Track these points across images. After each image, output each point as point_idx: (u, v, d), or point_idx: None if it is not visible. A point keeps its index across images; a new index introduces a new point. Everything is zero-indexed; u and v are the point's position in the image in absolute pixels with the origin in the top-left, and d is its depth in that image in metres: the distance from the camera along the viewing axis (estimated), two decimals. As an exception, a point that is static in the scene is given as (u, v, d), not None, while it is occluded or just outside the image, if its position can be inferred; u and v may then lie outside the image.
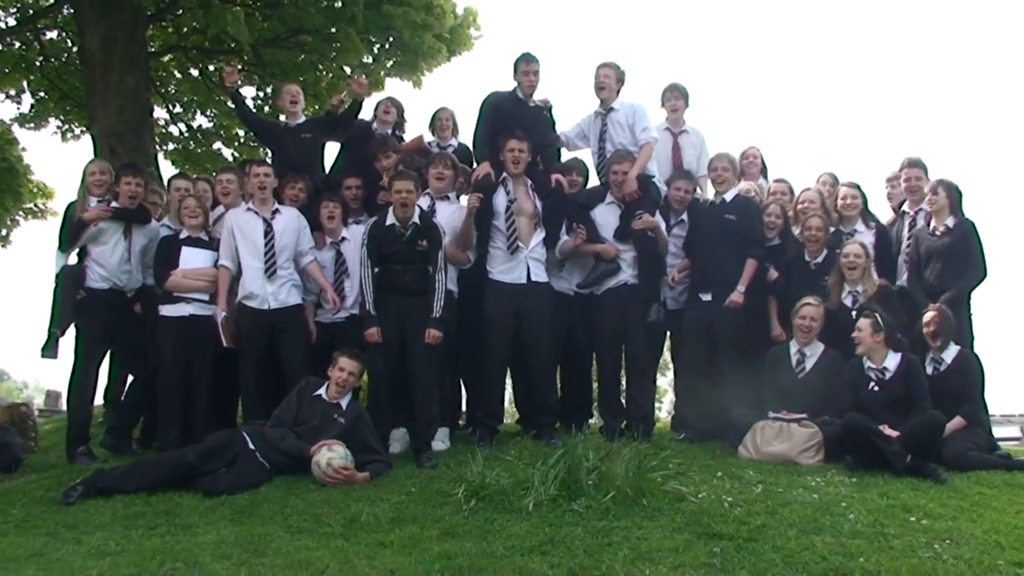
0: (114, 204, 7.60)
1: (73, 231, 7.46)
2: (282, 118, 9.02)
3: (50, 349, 7.39)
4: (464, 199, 7.69)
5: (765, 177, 8.96)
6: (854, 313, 7.20)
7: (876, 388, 6.78)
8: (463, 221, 7.38)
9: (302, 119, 8.77)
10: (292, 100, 8.70)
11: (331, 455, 6.14)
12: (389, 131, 8.77)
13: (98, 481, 6.06)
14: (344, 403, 6.61)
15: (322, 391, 6.62)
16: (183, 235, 7.62)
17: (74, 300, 7.41)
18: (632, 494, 5.32)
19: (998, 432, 9.02)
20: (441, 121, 8.71)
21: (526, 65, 7.81)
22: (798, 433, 6.80)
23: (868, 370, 6.84)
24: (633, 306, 7.59)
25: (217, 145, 16.00)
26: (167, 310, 7.43)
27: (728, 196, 7.82)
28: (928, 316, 7.06)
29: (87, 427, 7.58)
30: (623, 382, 8.10)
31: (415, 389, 6.93)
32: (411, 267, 6.97)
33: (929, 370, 6.98)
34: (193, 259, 7.50)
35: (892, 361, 6.82)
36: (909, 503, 5.48)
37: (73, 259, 7.58)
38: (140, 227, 7.71)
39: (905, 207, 8.06)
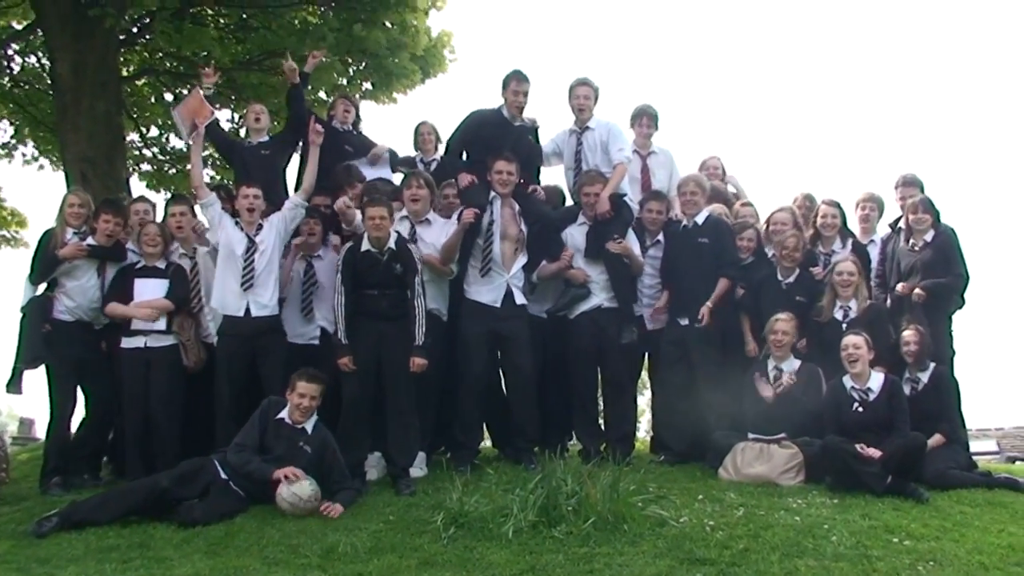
0: (90, 240, 7.45)
1: (46, 264, 7.34)
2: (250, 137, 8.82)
3: (15, 385, 7.27)
4: (455, 216, 7.54)
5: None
6: (844, 326, 7.23)
7: (860, 408, 6.76)
8: (452, 234, 7.27)
9: (265, 138, 8.57)
10: (255, 118, 8.58)
11: (295, 489, 6.02)
12: (349, 128, 8.71)
13: (73, 514, 5.92)
14: (309, 427, 6.45)
15: (284, 415, 6.45)
16: (139, 265, 7.49)
17: (40, 333, 7.29)
18: (613, 519, 5.30)
19: (975, 446, 9.09)
20: (424, 135, 8.60)
21: (517, 84, 7.75)
22: (778, 454, 6.77)
23: (851, 390, 6.82)
24: (609, 328, 7.53)
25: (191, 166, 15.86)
26: (125, 343, 7.34)
27: (699, 219, 7.77)
28: (907, 335, 7.07)
29: (63, 458, 7.43)
30: (600, 404, 8.05)
31: (392, 416, 6.83)
32: (387, 292, 6.86)
33: (907, 389, 6.98)
34: (145, 291, 7.37)
35: (876, 381, 6.81)
36: (891, 524, 5.48)
37: (41, 290, 7.45)
38: (114, 264, 7.57)
39: (901, 223, 8.04)
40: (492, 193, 7.40)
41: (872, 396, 6.77)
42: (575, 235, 7.71)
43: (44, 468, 7.43)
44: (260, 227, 7.27)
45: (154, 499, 6.01)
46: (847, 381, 6.86)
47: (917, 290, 7.36)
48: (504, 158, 7.36)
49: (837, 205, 8.10)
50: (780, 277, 7.76)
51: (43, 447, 7.99)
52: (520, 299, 7.40)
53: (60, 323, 7.36)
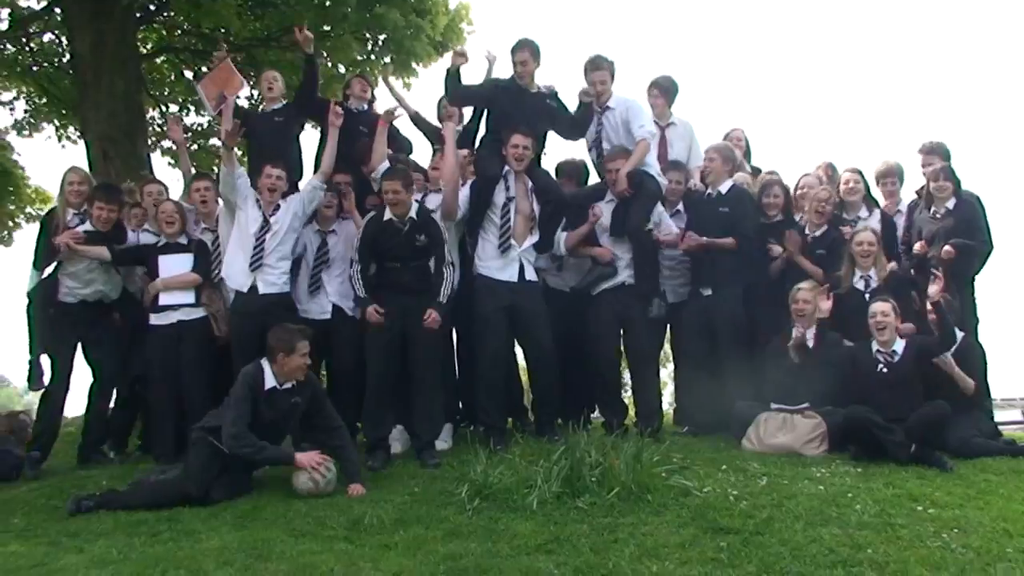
0: (87, 226, 7.50)
1: (49, 249, 7.42)
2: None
3: (35, 380, 7.43)
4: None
5: (748, 160, 8.96)
6: (867, 296, 7.23)
7: (885, 370, 6.80)
8: (448, 192, 7.21)
9: (279, 104, 8.51)
10: (268, 86, 8.52)
11: (315, 475, 5.97)
12: (365, 107, 8.65)
13: (111, 501, 5.94)
14: (296, 384, 6.27)
15: (272, 383, 6.20)
16: (160, 242, 7.56)
17: (46, 320, 7.40)
18: (636, 490, 5.31)
19: (999, 416, 9.02)
20: (448, 110, 8.52)
21: (517, 54, 7.58)
22: (802, 424, 6.79)
23: (877, 353, 6.85)
24: (632, 303, 7.49)
25: (213, 141, 15.90)
26: (155, 319, 7.42)
27: (723, 188, 7.77)
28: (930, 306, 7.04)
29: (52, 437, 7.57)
30: (623, 379, 8.04)
31: (417, 389, 6.81)
32: (411, 264, 6.83)
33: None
34: (171, 267, 7.44)
35: (900, 344, 6.86)
36: (915, 492, 5.47)
37: (47, 272, 7.55)
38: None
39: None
40: (506, 168, 7.27)
41: (896, 358, 6.81)
42: (604, 212, 7.61)
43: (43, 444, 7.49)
44: (277, 207, 7.26)
45: (182, 501, 5.93)
46: (873, 345, 6.87)
47: (947, 247, 7.31)
48: (521, 132, 7.21)
49: (859, 172, 8.07)
50: (807, 231, 7.78)
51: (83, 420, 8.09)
52: (531, 274, 7.32)
53: (64, 305, 7.45)
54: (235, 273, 7.19)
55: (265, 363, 6.20)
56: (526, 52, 7.57)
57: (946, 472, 6.01)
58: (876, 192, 8.30)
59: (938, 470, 6.04)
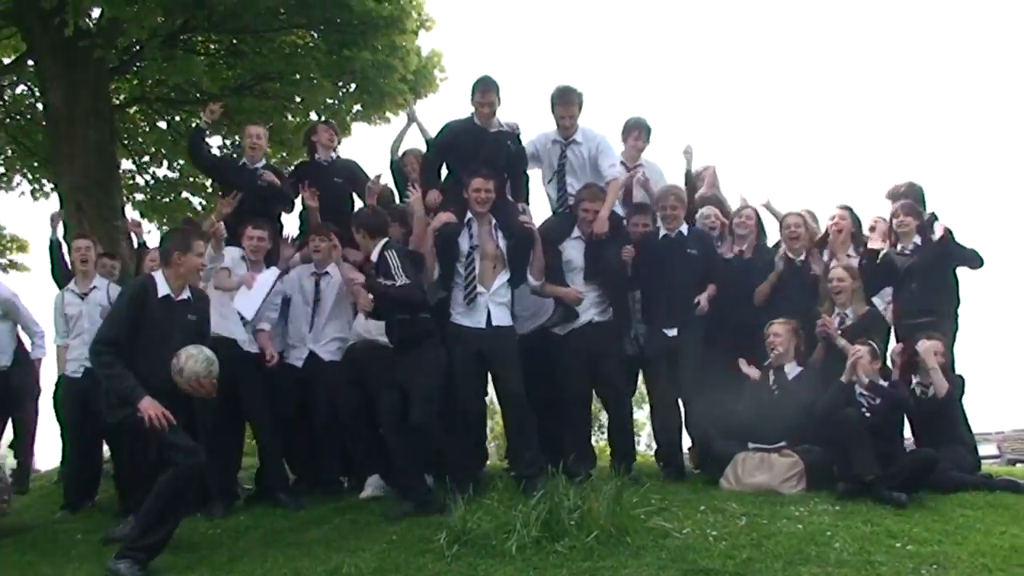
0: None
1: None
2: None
3: None
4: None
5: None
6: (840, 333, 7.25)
7: (868, 415, 6.74)
8: (423, 245, 7.17)
9: (262, 162, 8.47)
10: (252, 145, 8.40)
11: (192, 364, 5.54)
12: (334, 156, 8.64)
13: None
14: (188, 294, 5.87)
15: (164, 289, 5.72)
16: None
17: None
18: (616, 532, 5.28)
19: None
20: (408, 163, 8.51)
21: (480, 96, 7.45)
22: (779, 463, 6.79)
23: (860, 396, 6.82)
24: (603, 340, 7.41)
25: (185, 194, 15.90)
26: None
27: (684, 229, 7.71)
28: (925, 346, 7.04)
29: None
30: (591, 424, 7.95)
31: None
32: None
33: (917, 392, 7.02)
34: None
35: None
36: (894, 529, 5.48)
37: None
38: None
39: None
40: (468, 214, 7.10)
41: (879, 402, 6.77)
42: (570, 251, 7.52)
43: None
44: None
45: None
46: (858, 387, 6.82)
47: (940, 230, 7.40)
48: (481, 175, 7.05)
49: (849, 209, 8.09)
50: (792, 255, 7.81)
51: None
52: (500, 318, 7.06)
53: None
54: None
55: (157, 273, 5.84)
56: (492, 94, 7.48)
57: (903, 508, 6.01)
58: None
59: (894, 506, 6.03)
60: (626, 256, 7.40)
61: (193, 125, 13.82)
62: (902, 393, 6.86)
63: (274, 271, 7.41)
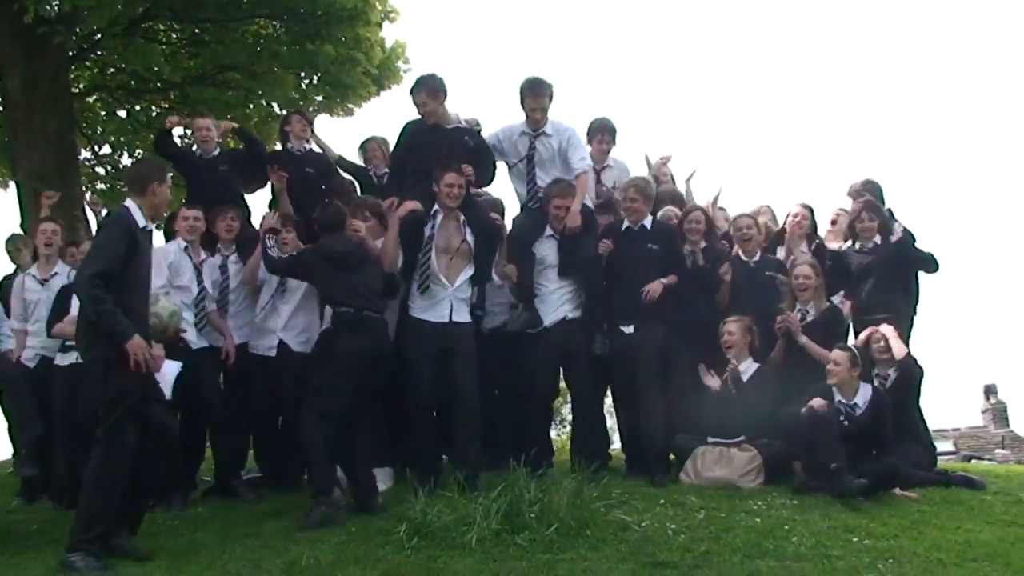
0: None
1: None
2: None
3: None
4: None
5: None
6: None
7: (846, 423, 6.67)
8: (388, 234, 6.98)
9: (217, 151, 8.41)
10: (203, 138, 8.35)
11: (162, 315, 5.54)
12: (306, 146, 8.56)
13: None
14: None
15: (141, 221, 5.43)
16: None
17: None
18: (575, 525, 5.30)
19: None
20: (371, 151, 8.53)
21: (416, 97, 7.40)
22: (738, 457, 6.83)
23: (838, 404, 6.74)
24: (574, 337, 7.30)
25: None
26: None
27: (647, 223, 7.54)
28: (878, 335, 7.16)
29: None
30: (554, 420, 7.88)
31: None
32: None
33: (875, 383, 7.04)
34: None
35: (863, 396, 6.78)
36: (851, 524, 5.55)
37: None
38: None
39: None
40: (435, 207, 7.02)
41: (858, 411, 6.74)
42: (543, 249, 7.44)
43: None
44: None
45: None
46: (835, 394, 6.77)
47: (899, 232, 7.53)
48: (454, 170, 6.95)
49: (808, 208, 8.16)
50: (744, 258, 7.80)
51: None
52: (461, 315, 6.98)
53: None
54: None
55: (131, 203, 5.51)
56: (423, 94, 7.37)
57: (863, 498, 6.07)
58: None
59: (855, 494, 6.08)
60: (603, 249, 7.35)
61: (154, 114, 13.70)
62: (882, 399, 6.84)
63: (177, 365, 6.53)
